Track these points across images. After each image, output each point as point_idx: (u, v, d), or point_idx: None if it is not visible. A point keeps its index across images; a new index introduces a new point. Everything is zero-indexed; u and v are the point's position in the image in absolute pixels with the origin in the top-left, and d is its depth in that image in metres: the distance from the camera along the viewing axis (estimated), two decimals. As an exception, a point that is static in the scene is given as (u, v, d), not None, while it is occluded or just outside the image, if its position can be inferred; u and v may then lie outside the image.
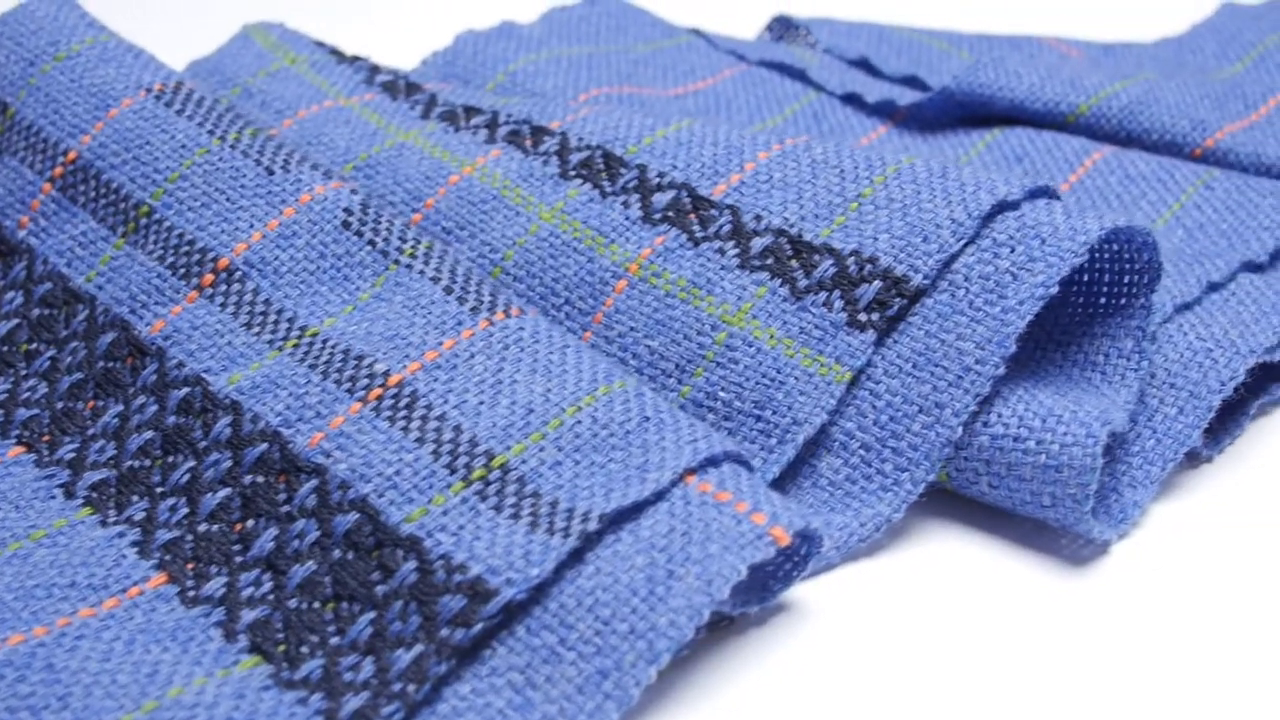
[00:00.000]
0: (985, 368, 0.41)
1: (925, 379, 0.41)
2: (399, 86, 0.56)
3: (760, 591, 0.38)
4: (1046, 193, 0.44)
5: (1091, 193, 0.56)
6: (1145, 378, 0.44)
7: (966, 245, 0.43)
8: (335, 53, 0.59)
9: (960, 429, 0.40)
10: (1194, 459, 0.44)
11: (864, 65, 0.69)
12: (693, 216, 0.46)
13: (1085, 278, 0.44)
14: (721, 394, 0.43)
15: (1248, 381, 0.45)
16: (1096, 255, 0.44)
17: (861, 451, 0.42)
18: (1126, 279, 0.44)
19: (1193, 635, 0.38)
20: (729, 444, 0.39)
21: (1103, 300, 0.44)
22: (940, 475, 0.41)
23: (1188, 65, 0.70)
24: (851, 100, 0.64)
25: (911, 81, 0.66)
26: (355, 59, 0.58)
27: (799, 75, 0.66)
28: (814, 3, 0.83)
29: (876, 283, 0.43)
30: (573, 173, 0.49)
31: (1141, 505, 0.42)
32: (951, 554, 0.41)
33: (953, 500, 0.42)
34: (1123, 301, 0.44)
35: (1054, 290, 0.41)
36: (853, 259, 0.43)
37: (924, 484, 0.40)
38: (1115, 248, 0.44)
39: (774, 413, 0.42)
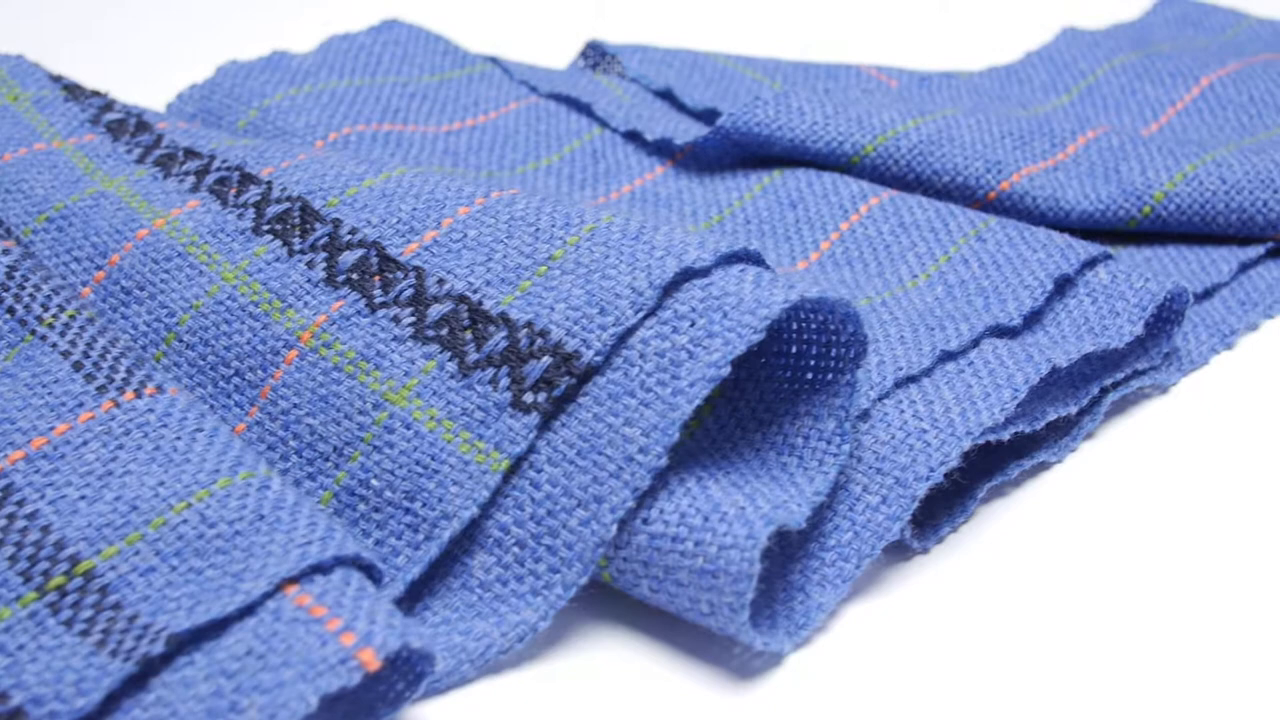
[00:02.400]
0: (647, 457, 0.37)
1: (588, 469, 0.37)
2: (126, 126, 0.52)
3: (366, 715, 0.34)
4: (746, 257, 0.40)
5: (861, 242, 0.52)
6: (849, 462, 0.40)
7: (646, 318, 0.39)
8: (70, 88, 0.55)
9: (615, 527, 0.36)
10: (904, 551, 0.40)
11: (668, 96, 0.65)
12: (377, 279, 0.42)
13: (793, 349, 0.40)
14: (374, 482, 0.39)
15: (964, 466, 0.41)
16: (802, 326, 0.40)
17: (515, 549, 0.38)
18: (833, 353, 0.40)
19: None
20: (350, 546, 0.35)
21: (809, 376, 0.40)
22: (604, 576, 0.38)
23: (1010, 98, 0.66)
24: (634, 138, 0.60)
25: (711, 115, 0.62)
26: (93, 95, 0.54)
27: (586, 109, 0.62)
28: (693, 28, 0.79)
29: (545, 359, 0.39)
30: (265, 227, 0.45)
31: (827, 608, 0.38)
32: (606, 664, 0.37)
33: (621, 602, 0.38)
34: (829, 377, 0.40)
35: (725, 371, 0.37)
36: (525, 331, 0.39)
37: (575, 588, 0.36)
38: (821, 318, 0.40)
39: (424, 505, 0.38)
